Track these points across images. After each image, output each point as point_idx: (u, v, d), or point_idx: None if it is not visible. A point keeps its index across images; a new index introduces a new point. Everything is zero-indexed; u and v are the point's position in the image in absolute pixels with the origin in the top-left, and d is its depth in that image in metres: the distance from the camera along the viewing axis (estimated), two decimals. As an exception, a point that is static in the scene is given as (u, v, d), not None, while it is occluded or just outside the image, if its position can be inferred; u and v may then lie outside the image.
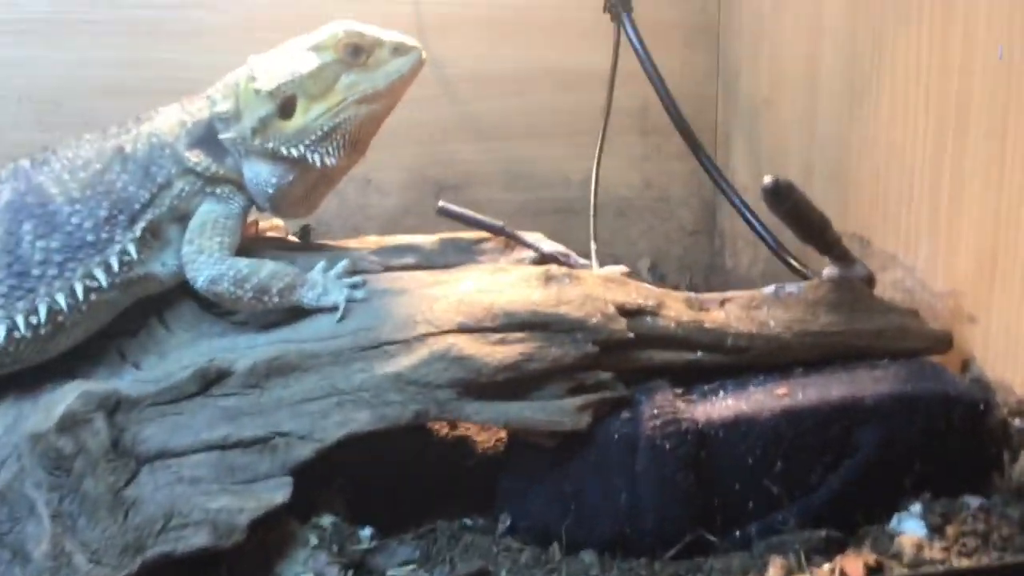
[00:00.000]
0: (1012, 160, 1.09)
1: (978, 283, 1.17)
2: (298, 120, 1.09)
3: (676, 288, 1.68)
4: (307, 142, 1.09)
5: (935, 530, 0.94)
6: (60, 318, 1.02)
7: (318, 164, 1.09)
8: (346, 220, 1.72)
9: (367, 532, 0.99)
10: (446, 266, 1.16)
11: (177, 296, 1.09)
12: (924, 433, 1.00)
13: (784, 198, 1.07)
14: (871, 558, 0.90)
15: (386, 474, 1.09)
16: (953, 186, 1.20)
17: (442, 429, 1.23)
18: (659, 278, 1.88)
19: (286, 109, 1.09)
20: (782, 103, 1.62)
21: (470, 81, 1.73)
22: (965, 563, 0.87)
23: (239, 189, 1.11)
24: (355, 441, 0.98)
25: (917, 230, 1.28)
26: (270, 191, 1.10)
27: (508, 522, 1.03)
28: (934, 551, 0.91)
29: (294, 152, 1.09)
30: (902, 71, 1.28)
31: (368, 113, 1.11)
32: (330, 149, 1.10)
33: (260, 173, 1.10)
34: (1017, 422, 1.05)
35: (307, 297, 1.06)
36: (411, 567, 0.96)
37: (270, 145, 1.09)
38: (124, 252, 1.04)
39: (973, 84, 1.15)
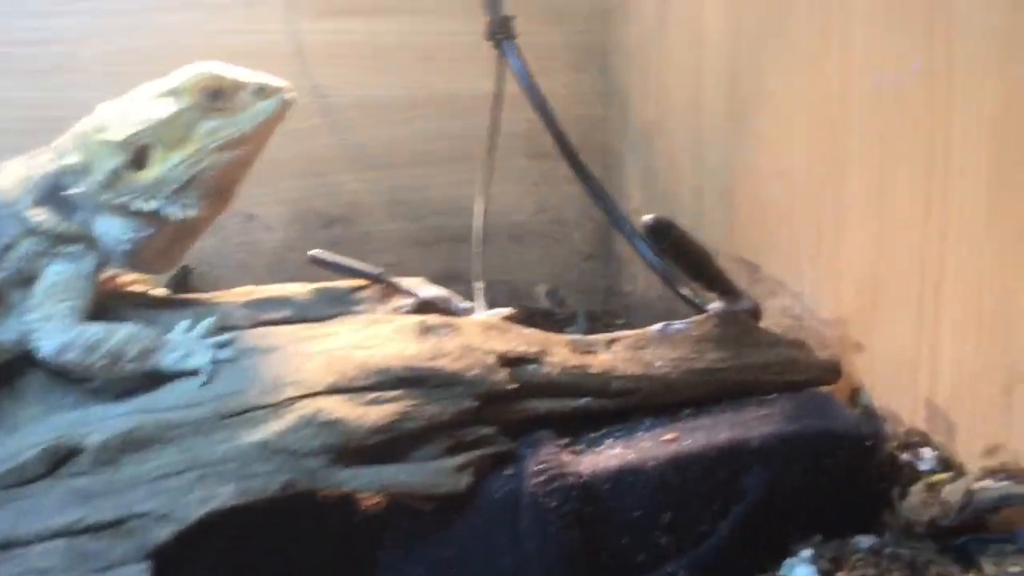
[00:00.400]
0: (891, 186, 1.08)
1: (862, 310, 1.16)
2: (153, 171, 1.03)
3: (574, 314, 1.67)
4: (164, 194, 1.03)
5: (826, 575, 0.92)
6: None
7: (179, 217, 1.03)
8: (229, 257, 1.66)
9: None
10: (321, 318, 1.10)
11: (24, 365, 1.02)
12: (811, 473, 0.98)
13: (664, 235, 1.05)
14: (761, 611, 0.88)
15: (260, 546, 1.03)
16: (835, 212, 1.19)
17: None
18: (558, 303, 1.85)
19: (140, 160, 1.03)
20: (670, 126, 1.61)
21: (353, 109, 1.69)
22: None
23: (90, 247, 1.04)
24: (221, 517, 0.92)
25: (802, 256, 1.27)
26: (125, 247, 1.04)
27: (389, 593, 0.98)
28: (825, 599, 0.89)
29: (150, 206, 1.02)
30: (782, 97, 1.27)
31: (231, 159, 1.06)
32: (190, 200, 1.04)
33: (113, 229, 1.03)
34: (905, 456, 1.03)
35: (167, 360, 1.00)
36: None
37: (123, 199, 1.02)
38: (-37, 320, 0.97)
39: (851, 111, 1.14)
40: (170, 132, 1.03)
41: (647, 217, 1.04)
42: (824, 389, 1.14)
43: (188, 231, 1.09)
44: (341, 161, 1.71)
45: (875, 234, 1.12)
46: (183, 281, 1.48)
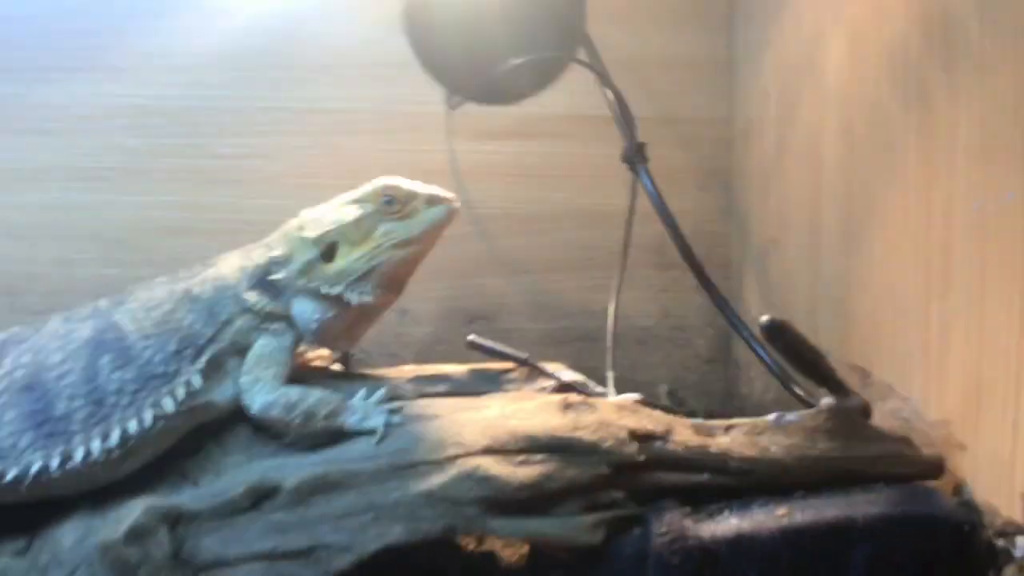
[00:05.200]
0: (990, 302, 1.20)
1: (966, 413, 1.26)
2: (339, 263, 1.23)
3: (694, 413, 1.79)
4: (345, 282, 1.22)
5: (923, 647, 1.01)
6: (131, 442, 1.14)
7: (354, 302, 1.23)
8: (384, 347, 1.85)
9: (400, 641, 1.08)
10: (475, 394, 1.28)
11: (232, 421, 1.21)
12: (913, 553, 1.09)
13: (778, 335, 1.19)
14: (862, 670, 0.98)
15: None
16: (940, 324, 1.30)
17: (468, 544, 1.32)
18: (678, 403, 1.98)
19: (329, 254, 1.23)
20: (788, 243, 1.75)
21: (499, 220, 1.88)
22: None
23: (290, 325, 1.24)
24: (390, 554, 1.08)
25: (911, 363, 1.37)
26: (314, 326, 1.24)
27: (528, 634, 1.11)
28: (921, 665, 0.98)
29: (333, 291, 1.22)
30: (892, 219, 1.40)
31: (402, 257, 1.25)
32: (366, 289, 1.23)
33: (305, 311, 1.23)
34: (1001, 542, 1.12)
35: (349, 421, 1.18)
36: (438, 674, 1.05)
37: (313, 285, 1.22)
38: (189, 383, 1.17)
39: (954, 233, 1.27)
40: (354, 232, 1.24)
41: (764, 317, 1.18)
42: (929, 484, 1.24)
43: (365, 316, 1.28)
44: (486, 265, 1.90)
45: (976, 344, 1.23)
46: (344, 363, 1.67)
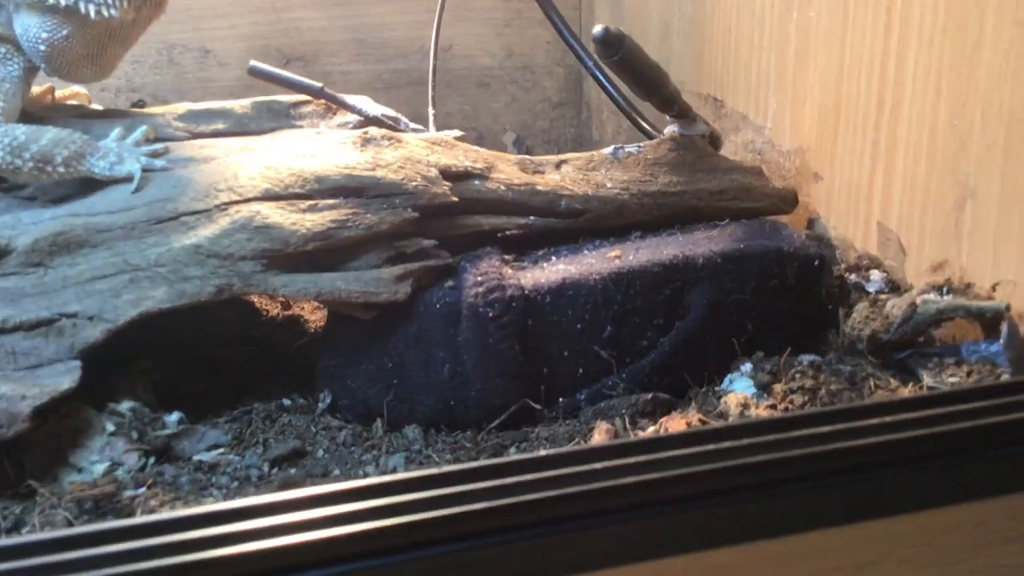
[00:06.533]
0: (854, 11, 1.04)
1: (822, 140, 1.13)
2: None
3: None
4: None
5: (763, 388, 0.92)
6: None
7: (91, 15, 0.97)
8: (185, 94, 1.61)
9: (174, 417, 0.92)
10: (260, 132, 1.07)
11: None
12: (757, 291, 0.97)
13: (614, 48, 1.01)
14: (695, 417, 0.87)
15: (205, 359, 1.02)
16: (799, 37, 1.15)
17: (272, 309, 1.16)
18: (525, 151, 1.82)
19: None
20: (640, -40, 1.55)
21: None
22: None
23: (17, 50, 0.99)
24: (159, 321, 0.90)
25: (766, 88, 1.23)
26: (42, 48, 0.98)
27: (328, 400, 0.97)
28: (760, 409, 0.89)
29: (63, 2, 0.96)
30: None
31: None
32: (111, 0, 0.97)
33: (29, 27, 0.97)
34: (853, 277, 1.02)
35: (98, 167, 0.96)
36: (220, 451, 0.90)
37: None
38: (-102, 124, 0.93)
39: (818, -73, 1.09)
40: None
41: (597, 28, 1.00)
42: (780, 218, 1.12)
43: (115, 38, 1.02)
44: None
45: (837, 58, 1.09)
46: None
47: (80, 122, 1.04)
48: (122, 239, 0.92)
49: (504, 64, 1.78)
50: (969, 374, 0.85)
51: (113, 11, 0.97)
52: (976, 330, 0.88)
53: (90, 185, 0.97)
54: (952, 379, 0.86)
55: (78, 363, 0.87)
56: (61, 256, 0.91)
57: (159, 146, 1.00)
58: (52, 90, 1.12)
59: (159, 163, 0.97)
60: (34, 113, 1.05)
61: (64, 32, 0.97)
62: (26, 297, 0.90)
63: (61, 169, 0.95)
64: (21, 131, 0.94)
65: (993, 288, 0.88)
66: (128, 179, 0.96)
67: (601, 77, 1.35)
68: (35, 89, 1.08)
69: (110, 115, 1.08)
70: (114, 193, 0.96)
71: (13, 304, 0.89)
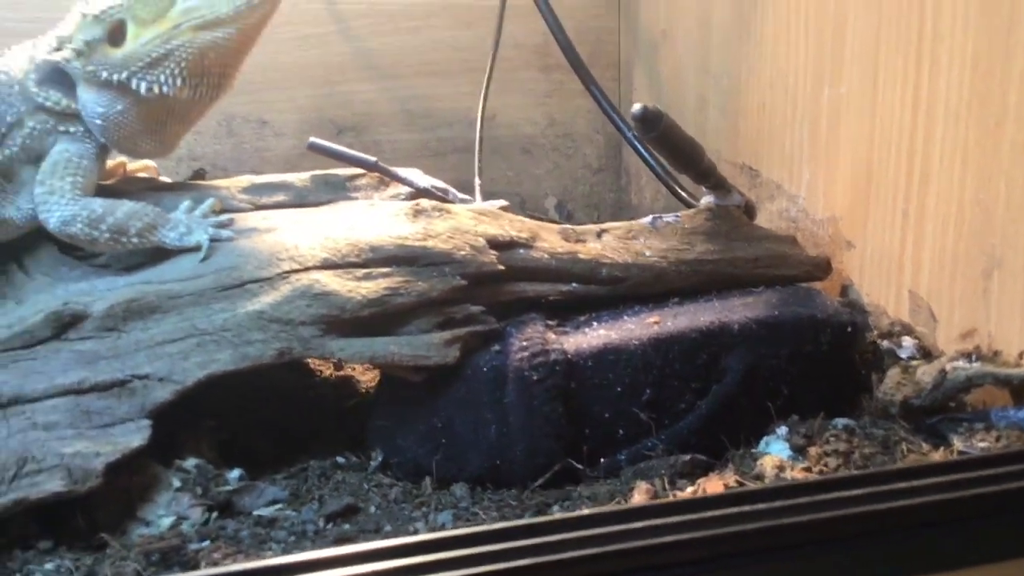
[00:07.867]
0: (883, 87, 1.09)
1: (855, 209, 1.17)
2: (127, 46, 1.03)
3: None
4: (132, 68, 1.03)
5: (798, 451, 0.95)
6: None
7: (143, 92, 1.03)
8: (243, 163, 1.69)
9: (235, 474, 0.98)
10: (318, 204, 1.13)
11: (36, 240, 1.06)
12: (791, 357, 1.01)
13: (652, 125, 1.06)
14: (732, 479, 0.91)
15: (264, 418, 1.08)
16: (831, 112, 1.20)
17: (325, 369, 1.22)
18: (566, 216, 1.87)
19: (115, 35, 1.04)
20: (678, 35, 1.61)
21: (364, 18, 1.70)
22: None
23: (92, 128, 1.07)
24: (223, 382, 0.96)
25: (799, 159, 1.28)
26: (98, 122, 1.05)
27: (379, 459, 1.02)
28: (795, 471, 0.92)
29: (116, 77, 1.03)
30: (784, 2, 1.27)
31: (210, 42, 1.04)
32: (162, 77, 1.03)
33: (87, 102, 1.05)
34: (886, 343, 1.06)
35: (169, 237, 1.03)
36: (278, 506, 0.95)
37: (92, 69, 1.03)
38: (-25, 199, 1.00)
39: (847, 13, 1.15)
40: (144, 9, 1.03)
41: (636, 106, 1.05)
42: (814, 285, 1.16)
43: (175, 115, 1.09)
44: (352, 70, 1.72)
45: (868, 130, 1.13)
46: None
47: (151, 194, 1.11)
48: (191, 305, 0.98)
49: (546, 132, 1.84)
50: (998, 439, 0.88)
51: (166, 88, 1.03)
52: (1005, 396, 0.91)
53: (161, 254, 1.04)
54: (982, 444, 0.89)
55: (148, 422, 0.93)
56: (134, 321, 0.97)
57: (224, 217, 1.06)
58: (124, 164, 1.19)
59: (225, 234, 1.04)
60: (108, 186, 1.12)
61: (119, 107, 1.04)
62: (101, 359, 0.96)
63: (135, 240, 1.02)
64: (98, 204, 1.01)
65: (1020, 356, 0.91)
66: (196, 249, 1.02)
67: (639, 147, 1.41)
68: (109, 163, 1.16)
69: (179, 188, 1.15)
70: (183, 262, 1.02)
71: (89, 366, 0.95)
